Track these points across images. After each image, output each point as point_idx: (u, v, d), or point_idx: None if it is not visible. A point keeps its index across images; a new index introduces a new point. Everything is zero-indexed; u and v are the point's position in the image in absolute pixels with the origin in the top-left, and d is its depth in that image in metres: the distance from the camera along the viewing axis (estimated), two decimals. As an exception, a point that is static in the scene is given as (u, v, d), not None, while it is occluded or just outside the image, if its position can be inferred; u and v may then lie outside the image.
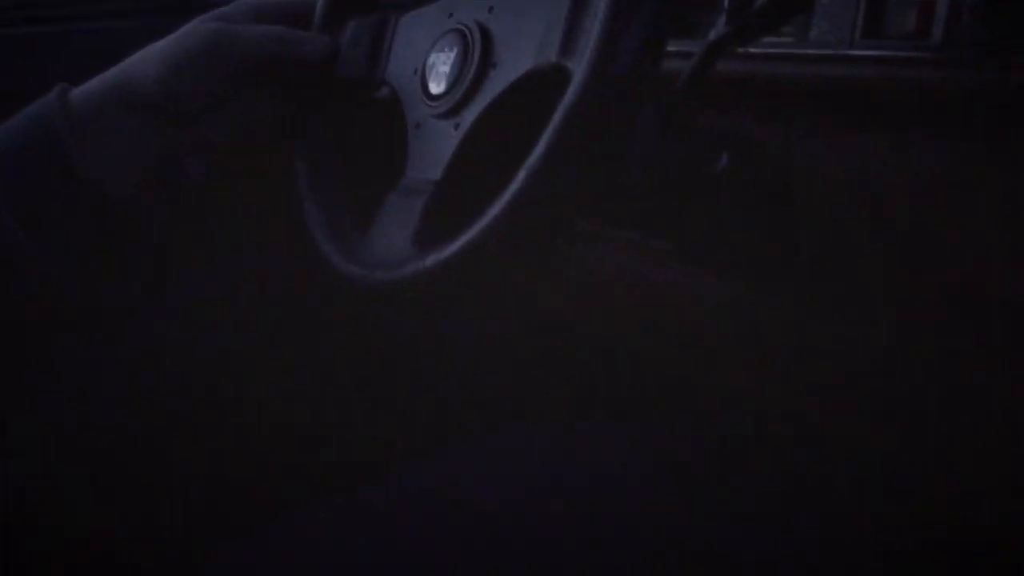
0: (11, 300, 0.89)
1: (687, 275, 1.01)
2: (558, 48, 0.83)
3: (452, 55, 0.93)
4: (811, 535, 0.84)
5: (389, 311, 1.02)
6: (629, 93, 0.79)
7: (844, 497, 0.88)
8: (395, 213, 0.94)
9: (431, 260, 0.85)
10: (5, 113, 0.94)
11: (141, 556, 0.91)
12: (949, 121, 0.85)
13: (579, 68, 0.78)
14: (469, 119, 0.90)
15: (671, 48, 0.92)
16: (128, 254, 0.96)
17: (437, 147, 0.92)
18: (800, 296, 0.94)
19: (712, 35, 0.89)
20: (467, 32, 0.91)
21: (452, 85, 0.92)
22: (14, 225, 0.88)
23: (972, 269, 0.84)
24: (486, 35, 0.90)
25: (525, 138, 0.83)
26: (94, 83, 0.96)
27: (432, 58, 0.95)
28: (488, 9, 0.91)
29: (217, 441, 1.00)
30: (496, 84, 0.89)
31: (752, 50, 0.97)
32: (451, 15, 0.95)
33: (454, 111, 0.91)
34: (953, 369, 0.86)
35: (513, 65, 0.88)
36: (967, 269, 0.84)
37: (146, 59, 0.97)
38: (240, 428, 1.03)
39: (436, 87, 0.93)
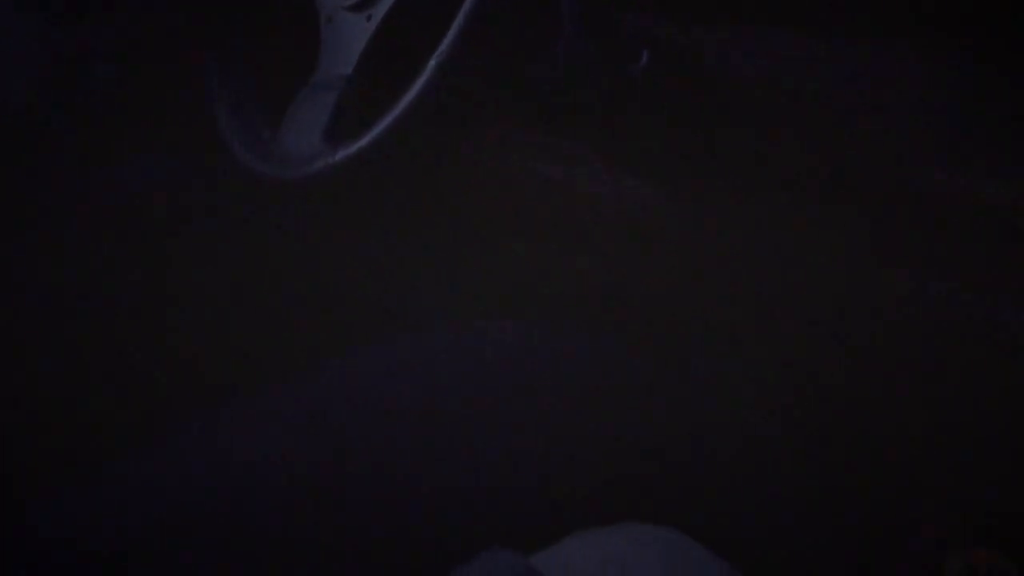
0: None
1: (609, 181, 0.99)
2: None
3: None
4: (721, 437, 0.84)
5: (297, 212, 1.00)
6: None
7: (752, 393, 0.88)
8: (306, 109, 0.92)
9: (341, 155, 0.84)
10: None
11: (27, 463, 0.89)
12: (871, 17, 0.84)
13: None
14: (382, 10, 0.88)
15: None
16: (29, 161, 0.94)
17: (349, 41, 0.90)
18: (722, 197, 0.93)
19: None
20: None
21: (364, -25, 0.90)
22: None
23: (895, 166, 0.83)
24: None
25: (439, 30, 0.81)
26: None
27: (344, -53, 0.92)
28: None
29: (119, 346, 0.99)
30: None
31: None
32: None
33: (367, 2, 0.89)
34: (875, 263, 0.86)
35: None
36: (890, 166, 0.84)
37: None
38: (150, 331, 1.00)
39: (348, -23, 0.91)
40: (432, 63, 0.78)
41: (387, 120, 0.80)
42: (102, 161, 1.06)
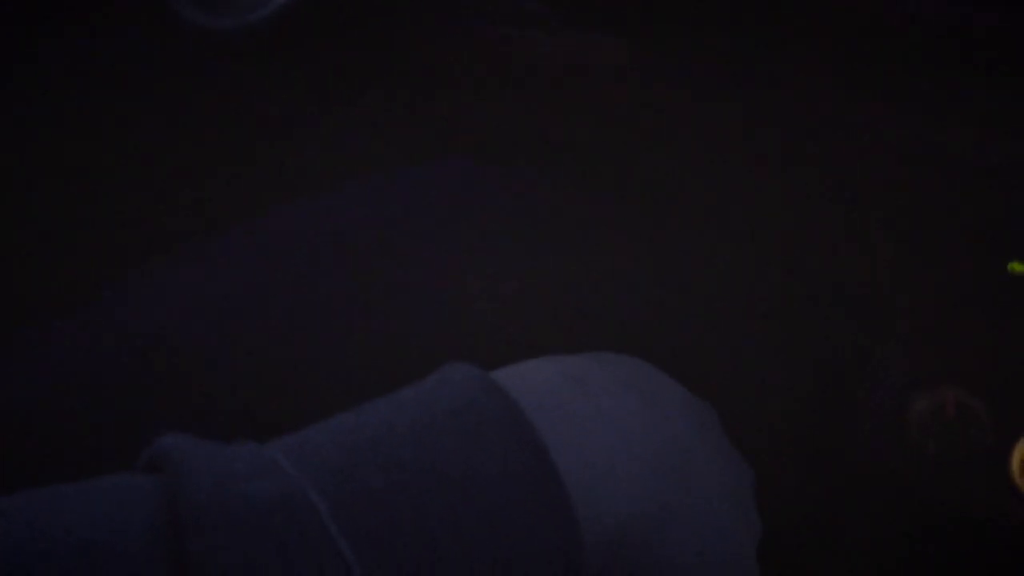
0: None
1: (569, 37, 0.99)
2: None
3: None
4: (685, 276, 0.84)
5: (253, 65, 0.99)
6: None
7: (718, 232, 0.88)
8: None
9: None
10: None
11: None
12: None
13: None
14: None
15: None
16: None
17: None
18: (685, 47, 0.92)
19: None
20: None
21: None
22: None
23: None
24: None
25: None
26: None
27: None
28: None
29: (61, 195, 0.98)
30: None
31: None
32: None
33: None
34: (849, 97, 0.85)
35: None
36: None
37: None
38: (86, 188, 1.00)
39: None
40: None
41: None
42: (43, 29, 1.04)
